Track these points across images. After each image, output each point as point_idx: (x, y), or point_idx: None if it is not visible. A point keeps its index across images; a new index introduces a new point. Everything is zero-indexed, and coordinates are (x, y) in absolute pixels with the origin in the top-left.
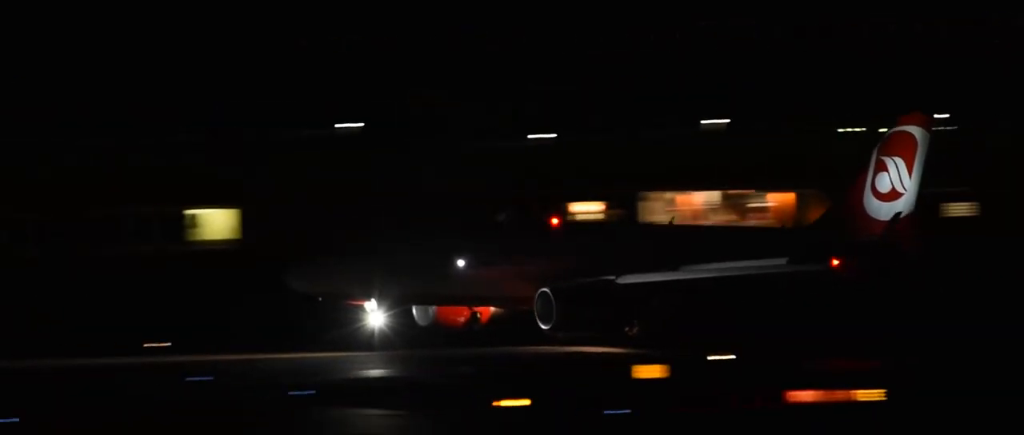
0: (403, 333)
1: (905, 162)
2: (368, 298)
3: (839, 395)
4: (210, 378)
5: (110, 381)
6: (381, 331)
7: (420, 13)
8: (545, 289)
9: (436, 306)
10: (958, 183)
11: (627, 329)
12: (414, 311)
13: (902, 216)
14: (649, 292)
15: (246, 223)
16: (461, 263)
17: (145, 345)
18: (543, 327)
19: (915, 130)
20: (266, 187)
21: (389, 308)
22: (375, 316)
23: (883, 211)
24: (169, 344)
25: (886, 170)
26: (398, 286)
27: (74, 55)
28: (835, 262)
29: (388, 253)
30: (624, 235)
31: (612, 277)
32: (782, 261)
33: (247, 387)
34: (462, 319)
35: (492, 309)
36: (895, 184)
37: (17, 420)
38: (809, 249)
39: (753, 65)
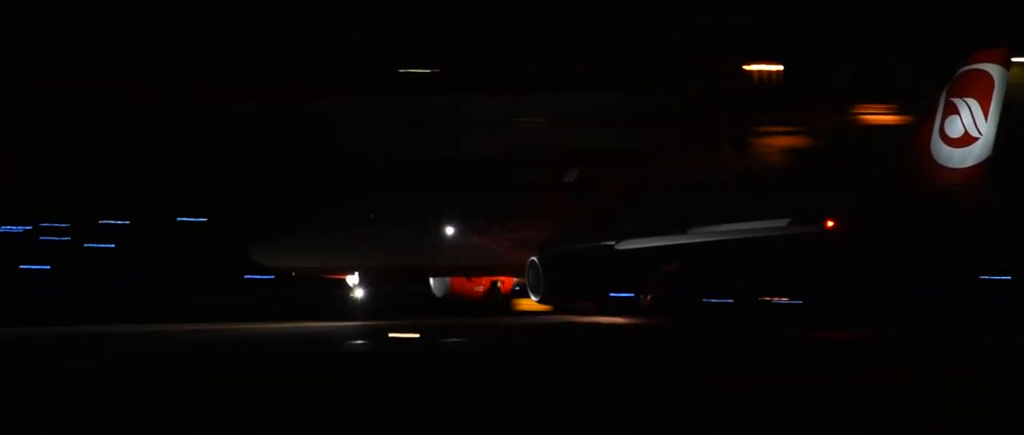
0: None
1: (980, 103)
2: (349, 272)
3: None
4: None
5: None
6: (362, 303)
7: (420, 13)
8: (533, 258)
9: (447, 278)
10: None
11: (642, 298)
12: (431, 282)
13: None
14: (651, 258)
15: None
16: (449, 231)
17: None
18: (533, 298)
19: (992, 68)
20: None
21: (371, 282)
22: (358, 290)
23: (955, 158)
24: None
25: (957, 113)
26: (376, 258)
27: None
28: (829, 223)
29: (367, 225)
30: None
31: (611, 242)
32: (784, 222)
33: None
34: (481, 289)
35: (514, 279)
36: (968, 128)
37: None
38: (815, 207)
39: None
